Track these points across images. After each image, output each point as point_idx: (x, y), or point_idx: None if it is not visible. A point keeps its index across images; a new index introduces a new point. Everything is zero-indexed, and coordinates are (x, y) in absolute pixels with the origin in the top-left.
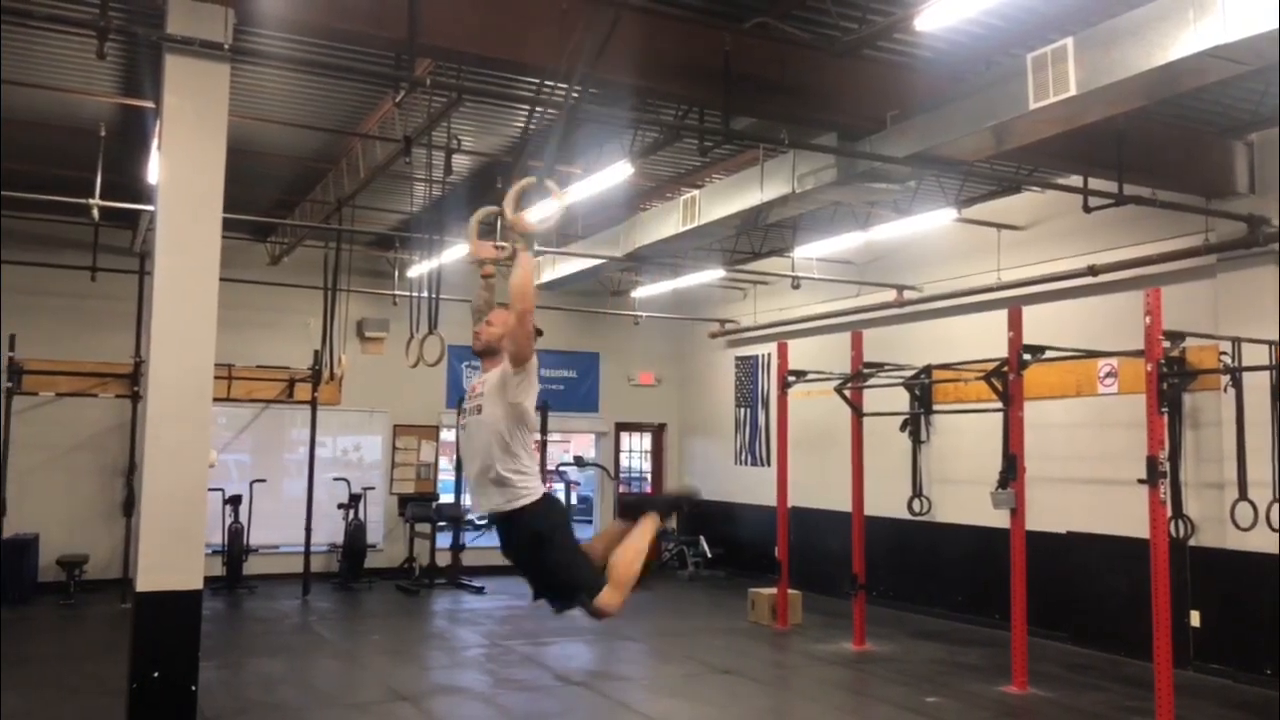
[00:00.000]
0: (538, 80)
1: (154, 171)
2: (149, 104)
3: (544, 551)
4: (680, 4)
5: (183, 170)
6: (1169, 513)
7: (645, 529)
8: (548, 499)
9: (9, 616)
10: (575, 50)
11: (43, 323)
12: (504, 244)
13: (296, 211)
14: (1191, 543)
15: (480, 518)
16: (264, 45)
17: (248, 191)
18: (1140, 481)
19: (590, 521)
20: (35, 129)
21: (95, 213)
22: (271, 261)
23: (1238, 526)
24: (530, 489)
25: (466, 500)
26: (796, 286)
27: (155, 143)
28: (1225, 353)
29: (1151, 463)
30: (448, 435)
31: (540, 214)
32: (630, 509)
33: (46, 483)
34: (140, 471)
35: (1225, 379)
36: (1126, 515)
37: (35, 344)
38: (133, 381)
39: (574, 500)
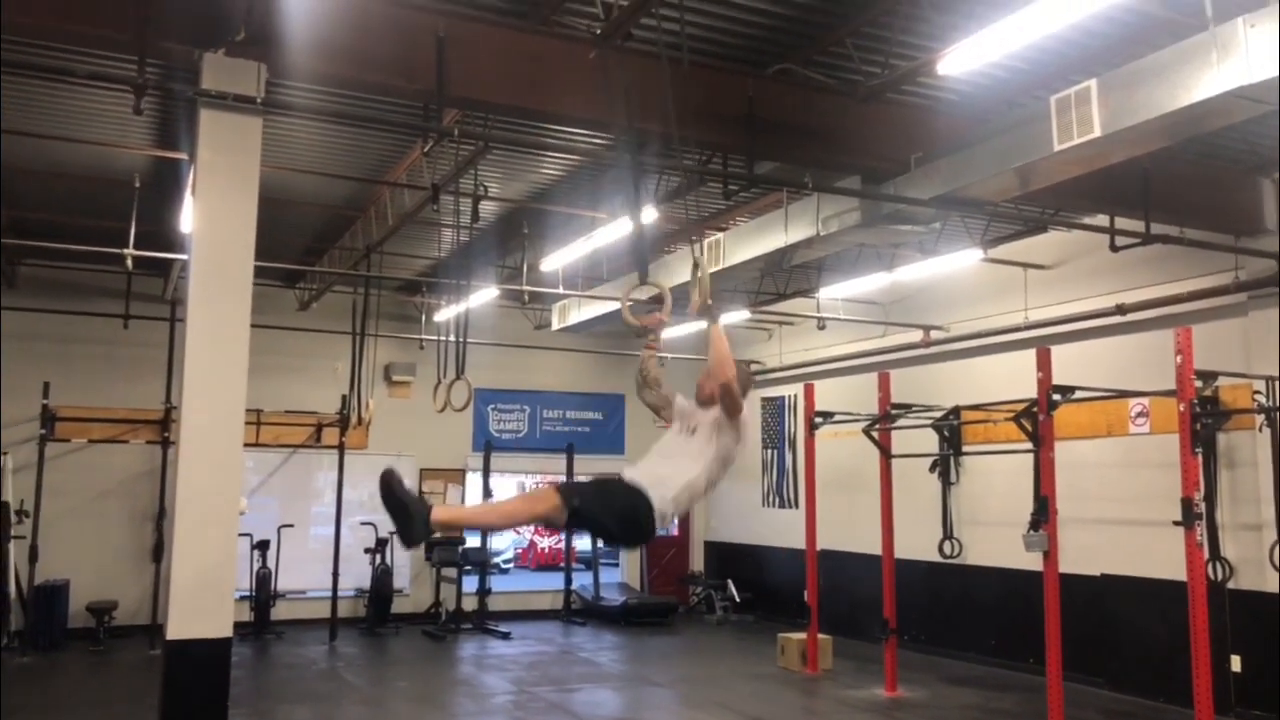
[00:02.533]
0: (565, 128)
1: (187, 221)
2: (182, 155)
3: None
4: (703, 51)
5: (216, 220)
6: (1206, 555)
7: None
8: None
9: (40, 663)
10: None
11: (76, 370)
12: (660, 313)
13: (325, 258)
14: (1230, 585)
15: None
16: (295, 98)
17: (278, 239)
18: (1175, 523)
19: (616, 565)
20: (72, 181)
21: (129, 262)
22: (301, 307)
23: (1277, 569)
24: (665, 496)
25: (492, 544)
26: (822, 327)
27: (189, 193)
28: (1259, 392)
29: (1186, 504)
30: (474, 479)
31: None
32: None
33: (77, 529)
34: (170, 518)
35: (1260, 418)
36: (1162, 557)
37: (68, 391)
38: (163, 427)
39: (600, 544)
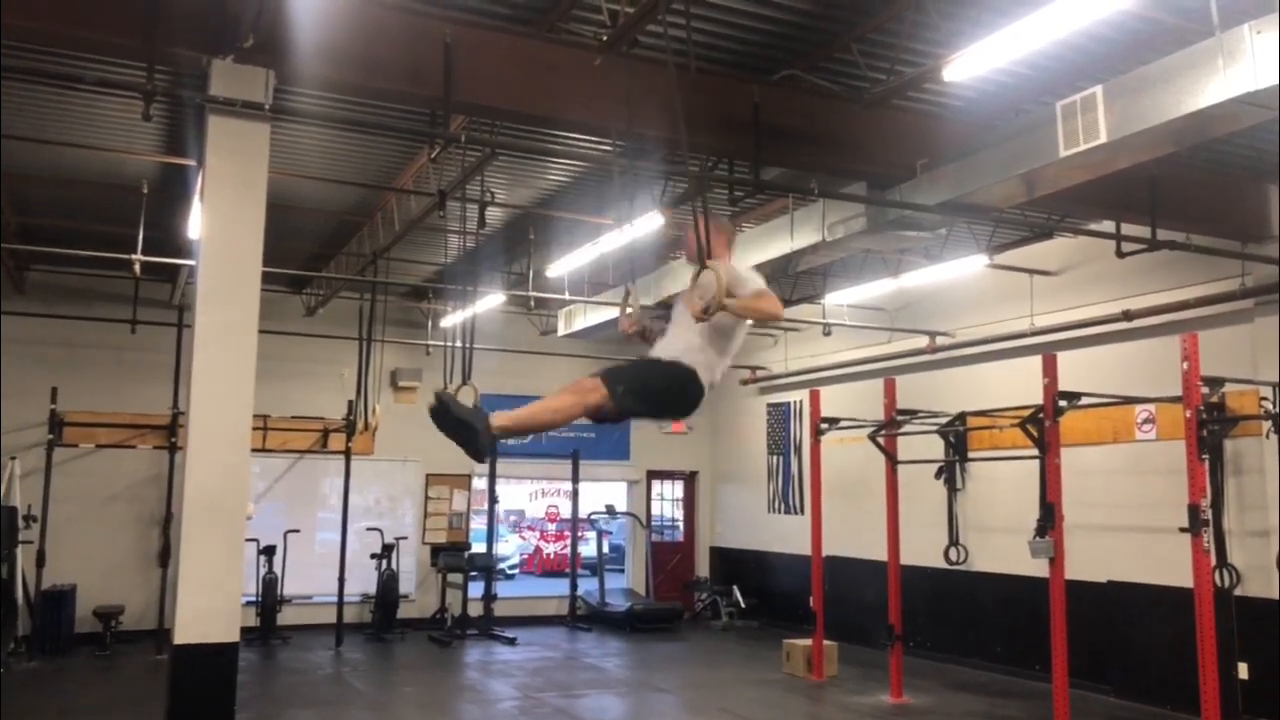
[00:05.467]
0: (571, 134)
1: (195, 227)
2: (190, 162)
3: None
4: (709, 58)
5: (224, 226)
6: (1213, 562)
7: None
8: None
9: (47, 668)
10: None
11: (84, 375)
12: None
13: (332, 264)
14: (1238, 592)
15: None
16: (303, 104)
17: (285, 244)
18: (1182, 530)
19: (621, 571)
20: (80, 187)
21: (137, 267)
22: (307, 313)
23: None
24: (698, 360)
25: (498, 550)
26: (828, 333)
27: (197, 199)
28: (1266, 398)
29: (1193, 510)
30: (479, 484)
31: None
32: None
33: (84, 533)
34: (177, 522)
35: (1267, 425)
36: (1169, 564)
37: (76, 396)
38: (170, 432)
39: (605, 549)
